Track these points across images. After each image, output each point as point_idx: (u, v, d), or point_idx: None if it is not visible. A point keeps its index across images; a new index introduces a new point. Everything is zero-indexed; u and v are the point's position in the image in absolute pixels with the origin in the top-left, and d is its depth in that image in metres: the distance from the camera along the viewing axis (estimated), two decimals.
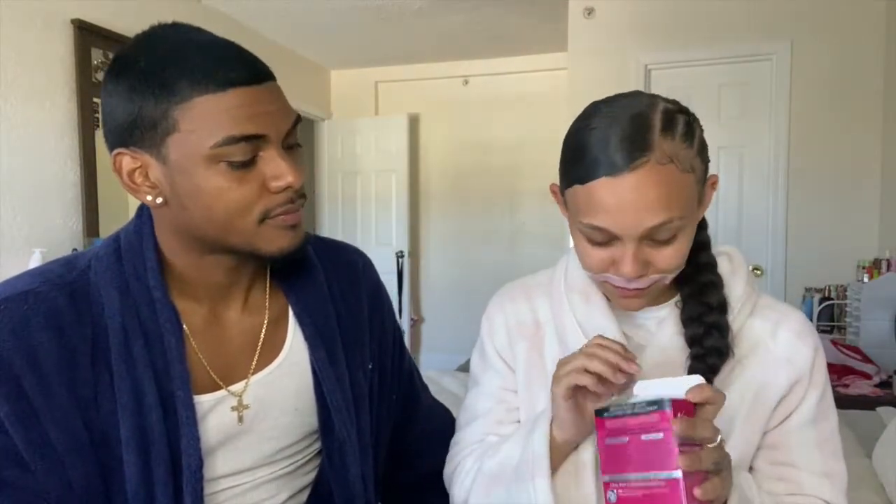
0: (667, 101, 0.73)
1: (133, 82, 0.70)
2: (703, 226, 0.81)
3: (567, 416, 0.74)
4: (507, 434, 0.87)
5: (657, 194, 0.67)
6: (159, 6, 3.16)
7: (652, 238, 0.70)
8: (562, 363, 0.73)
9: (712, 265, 0.81)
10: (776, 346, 0.80)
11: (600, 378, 0.69)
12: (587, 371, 0.70)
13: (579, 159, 0.71)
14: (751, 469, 0.82)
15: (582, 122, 0.73)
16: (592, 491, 0.77)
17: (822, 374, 0.81)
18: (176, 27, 0.74)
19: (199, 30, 0.74)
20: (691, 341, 0.78)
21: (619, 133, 0.68)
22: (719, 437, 0.63)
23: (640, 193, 0.67)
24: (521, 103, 5.06)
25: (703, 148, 0.73)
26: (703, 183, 0.74)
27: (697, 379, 0.65)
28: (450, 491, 0.92)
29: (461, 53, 5.03)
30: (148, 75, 0.69)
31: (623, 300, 0.77)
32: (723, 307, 0.78)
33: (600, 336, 0.73)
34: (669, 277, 0.75)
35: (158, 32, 0.73)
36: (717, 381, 0.76)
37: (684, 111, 0.73)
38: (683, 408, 0.62)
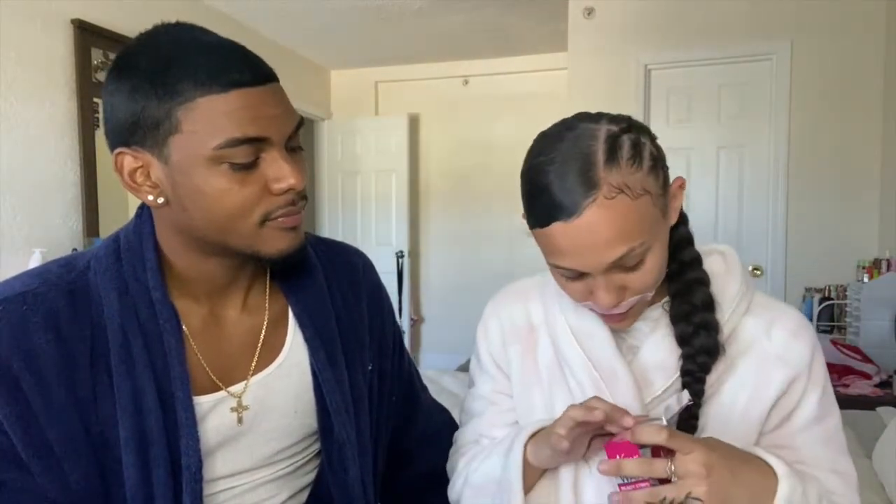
0: (612, 121, 0.71)
1: (136, 82, 0.69)
2: (682, 221, 0.80)
3: (550, 455, 0.76)
4: (497, 439, 0.89)
5: (611, 230, 0.67)
6: (159, 6, 3.16)
7: (620, 266, 0.70)
8: (576, 407, 0.73)
9: (697, 261, 0.80)
10: (770, 345, 0.79)
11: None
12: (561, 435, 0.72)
13: (533, 204, 0.71)
14: None
15: (532, 162, 0.72)
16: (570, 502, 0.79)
17: (821, 372, 0.81)
18: (179, 27, 0.74)
19: (202, 30, 0.74)
20: (681, 340, 0.78)
21: (565, 176, 0.68)
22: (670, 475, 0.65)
23: (594, 233, 0.67)
24: (521, 103, 5.06)
25: (655, 162, 0.71)
26: (664, 194, 0.73)
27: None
28: (448, 488, 0.94)
29: (461, 53, 5.03)
30: (151, 75, 0.69)
31: (611, 324, 0.79)
32: (709, 305, 0.78)
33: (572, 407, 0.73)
34: (650, 294, 0.75)
35: (162, 32, 0.73)
36: (711, 380, 0.77)
37: (630, 128, 0.71)
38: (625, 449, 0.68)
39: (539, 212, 0.70)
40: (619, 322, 0.77)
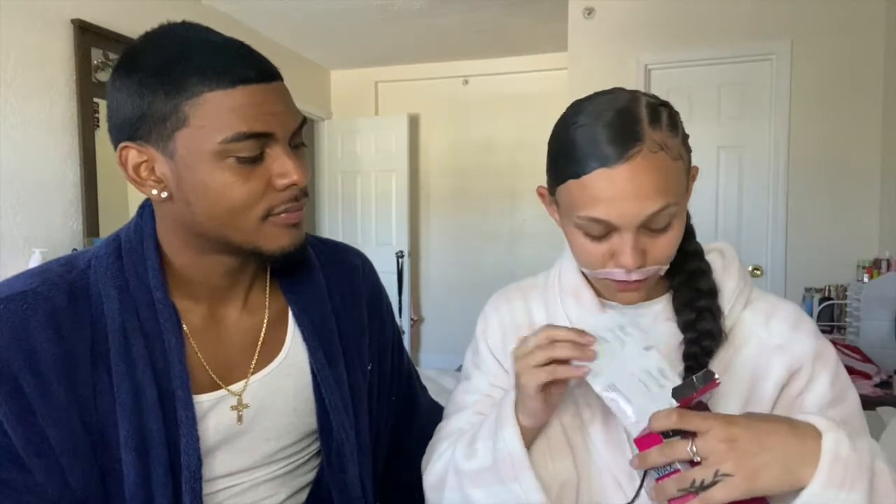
0: (647, 95, 0.75)
1: (143, 77, 0.70)
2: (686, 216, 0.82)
3: (538, 406, 0.73)
4: (478, 425, 0.83)
5: (653, 181, 0.69)
6: (159, 6, 3.17)
7: (649, 227, 0.71)
8: (520, 356, 0.71)
9: (699, 253, 0.82)
10: (769, 336, 0.80)
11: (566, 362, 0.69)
12: (555, 361, 0.69)
13: (571, 155, 0.72)
14: None
15: (568, 120, 0.75)
16: (569, 463, 0.77)
17: (829, 358, 0.79)
18: (186, 25, 0.75)
19: (208, 29, 0.75)
20: (684, 327, 0.78)
21: (609, 126, 0.70)
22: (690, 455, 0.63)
23: (637, 182, 0.68)
24: (521, 103, 5.06)
25: (686, 138, 0.75)
26: (689, 172, 0.76)
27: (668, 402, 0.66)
28: (423, 475, 0.88)
29: (461, 53, 5.03)
30: (158, 71, 0.70)
31: (623, 294, 0.77)
32: (713, 292, 0.79)
33: (547, 326, 0.71)
34: (664, 268, 0.76)
35: (168, 30, 0.74)
36: (714, 368, 0.76)
37: (665, 104, 0.75)
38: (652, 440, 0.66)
39: (578, 160, 0.71)
40: (634, 290, 0.76)
